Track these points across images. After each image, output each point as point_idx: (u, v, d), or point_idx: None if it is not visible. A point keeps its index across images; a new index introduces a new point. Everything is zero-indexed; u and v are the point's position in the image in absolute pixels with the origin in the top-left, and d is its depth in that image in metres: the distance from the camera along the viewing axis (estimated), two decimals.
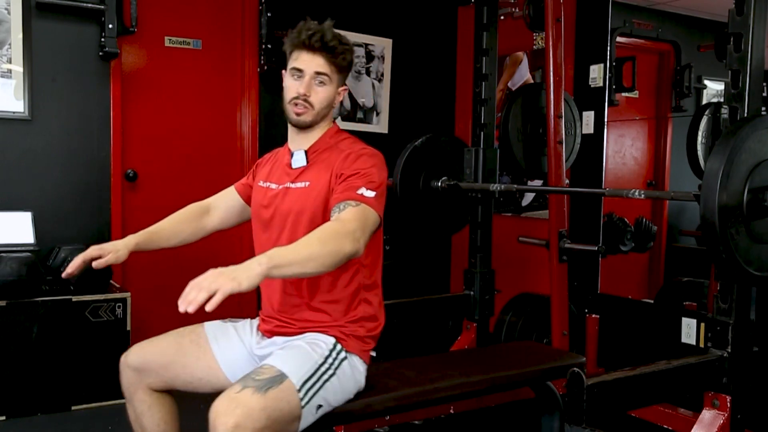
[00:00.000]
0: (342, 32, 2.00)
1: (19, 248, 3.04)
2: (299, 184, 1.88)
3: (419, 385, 2.02)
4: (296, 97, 1.85)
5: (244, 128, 4.06)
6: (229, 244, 3.83)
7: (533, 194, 4.12)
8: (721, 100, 3.90)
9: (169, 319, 3.28)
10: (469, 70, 3.51)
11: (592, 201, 3.50)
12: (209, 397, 1.62)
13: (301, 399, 1.64)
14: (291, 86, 1.87)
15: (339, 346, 1.79)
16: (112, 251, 1.88)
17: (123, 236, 3.77)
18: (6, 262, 2.91)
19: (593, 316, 3.37)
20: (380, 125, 4.39)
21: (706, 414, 2.19)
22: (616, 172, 4.04)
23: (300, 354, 1.75)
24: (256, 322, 1.99)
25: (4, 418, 2.95)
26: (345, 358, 1.79)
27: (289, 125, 1.94)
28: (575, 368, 2.00)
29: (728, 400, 2.15)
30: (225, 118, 4.03)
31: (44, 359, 3.00)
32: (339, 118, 4.26)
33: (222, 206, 2.13)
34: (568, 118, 3.30)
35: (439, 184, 3.12)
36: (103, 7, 3.38)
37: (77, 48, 3.46)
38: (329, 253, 1.60)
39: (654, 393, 2.26)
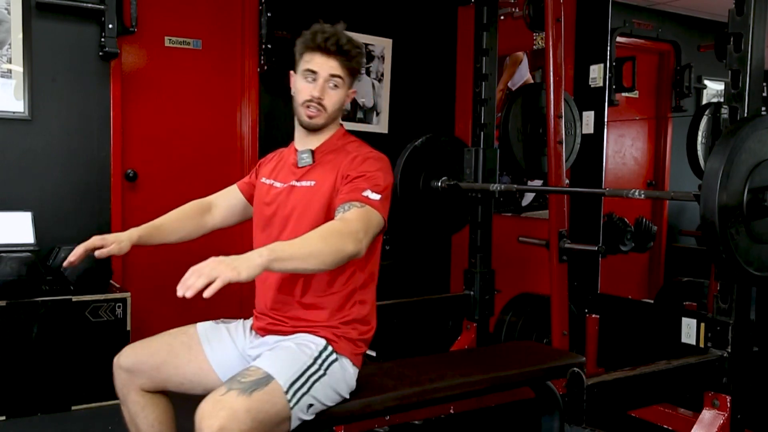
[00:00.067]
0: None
1: (19, 248, 3.04)
2: (304, 183, 1.89)
3: (419, 385, 2.02)
4: (310, 100, 1.86)
5: (244, 128, 4.06)
6: (230, 244, 3.82)
7: (533, 194, 4.12)
8: (721, 100, 3.90)
9: (169, 319, 3.28)
10: (469, 70, 3.52)
11: (592, 201, 3.50)
12: (203, 398, 1.62)
13: (289, 400, 1.63)
14: (303, 88, 1.87)
15: (330, 348, 1.79)
16: (114, 242, 1.87)
17: None
18: (6, 262, 2.91)
19: (593, 316, 3.37)
20: (380, 125, 4.39)
21: (706, 414, 2.19)
22: (616, 172, 4.04)
23: (288, 355, 1.74)
24: (249, 322, 1.99)
25: (4, 418, 2.95)
26: (335, 359, 1.78)
27: (297, 126, 1.95)
28: (575, 368, 2.00)
29: (728, 400, 2.15)
30: (225, 118, 4.03)
31: (44, 359, 3.00)
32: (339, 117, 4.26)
33: (224, 204, 2.13)
34: (568, 118, 3.30)
35: (439, 184, 3.12)
36: (103, 7, 3.38)
37: (77, 48, 3.46)
38: (331, 251, 1.61)
39: (654, 393, 2.26)
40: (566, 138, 3.14)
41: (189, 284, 1.43)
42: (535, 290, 3.52)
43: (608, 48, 3.56)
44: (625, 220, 3.52)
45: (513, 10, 3.55)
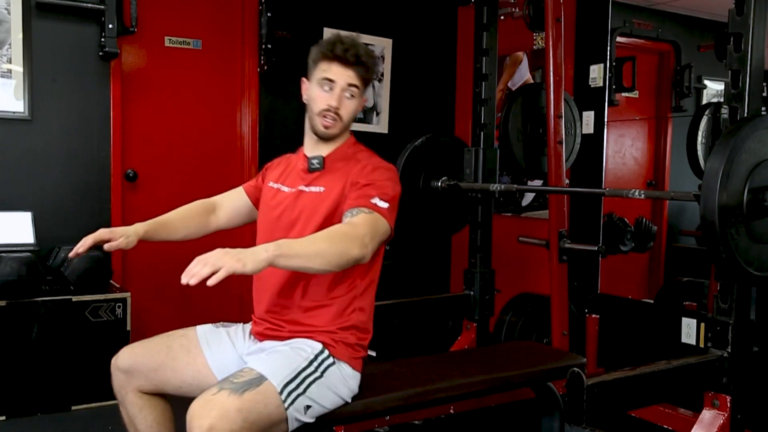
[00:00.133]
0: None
1: (19, 248, 3.04)
2: (313, 189, 1.89)
3: (419, 385, 2.02)
4: (327, 110, 1.87)
5: (244, 128, 4.06)
6: (231, 245, 3.82)
7: (533, 194, 4.12)
8: (721, 100, 3.90)
9: (169, 319, 3.29)
10: (469, 70, 3.52)
11: (592, 201, 3.50)
12: None
13: (284, 401, 1.63)
14: (320, 97, 1.87)
15: (326, 352, 1.79)
16: (123, 236, 1.86)
17: None
18: (6, 262, 2.91)
19: (593, 316, 3.37)
20: (380, 125, 4.40)
21: (706, 414, 2.19)
22: (616, 172, 4.04)
23: (282, 358, 1.75)
24: (248, 326, 1.99)
25: (4, 418, 2.95)
26: (332, 363, 1.78)
27: (307, 132, 1.96)
28: (575, 368, 2.00)
29: (728, 400, 2.15)
30: (225, 118, 4.03)
31: (44, 359, 3.00)
32: None
33: (229, 206, 2.13)
34: (568, 118, 3.30)
35: (439, 184, 3.12)
36: (103, 7, 3.38)
37: (77, 48, 3.46)
38: (336, 252, 1.62)
39: (654, 393, 2.26)
40: (566, 138, 3.14)
41: (194, 272, 1.44)
42: (535, 290, 3.52)
43: (608, 48, 3.56)
44: (625, 220, 3.52)
45: (513, 10, 3.55)
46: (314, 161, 1.92)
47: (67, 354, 3.05)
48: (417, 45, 4.51)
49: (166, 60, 3.82)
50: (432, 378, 2.07)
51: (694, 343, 2.76)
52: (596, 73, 3.60)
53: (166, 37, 3.81)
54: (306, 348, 1.78)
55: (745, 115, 2.10)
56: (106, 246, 1.85)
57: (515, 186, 3.12)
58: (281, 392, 1.63)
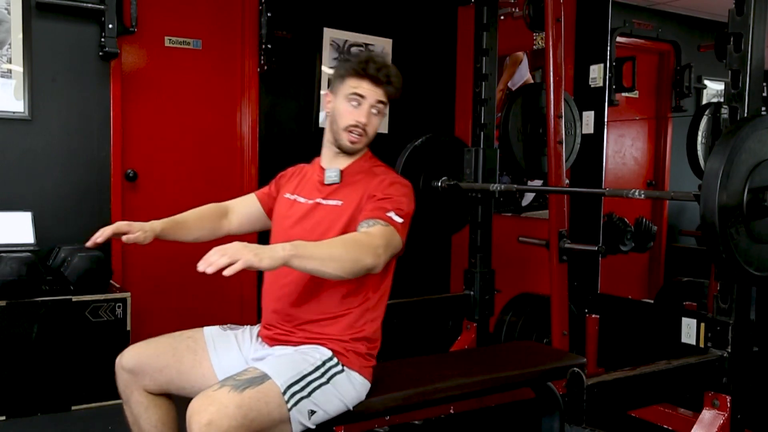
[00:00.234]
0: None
1: (19, 248, 3.04)
2: (331, 202, 1.92)
3: (419, 385, 2.02)
4: (355, 125, 1.90)
5: (244, 128, 4.06)
6: None
7: (533, 194, 4.12)
8: (721, 100, 3.90)
9: (169, 319, 3.30)
10: (469, 70, 3.52)
11: (592, 201, 3.50)
12: None
13: (287, 401, 1.63)
14: (348, 112, 1.90)
15: (335, 360, 1.79)
16: (140, 231, 1.87)
17: None
18: (6, 262, 2.91)
19: (593, 316, 3.37)
20: (380, 125, 4.39)
21: (706, 414, 2.19)
22: (616, 172, 4.04)
23: (288, 360, 1.75)
24: (256, 329, 1.99)
25: (4, 418, 2.95)
26: (341, 371, 1.79)
27: (327, 144, 1.99)
28: (575, 368, 2.00)
29: (728, 400, 2.15)
30: (225, 118, 4.03)
31: (44, 359, 3.00)
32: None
33: (241, 211, 2.14)
34: (568, 118, 3.30)
35: (439, 184, 3.12)
36: (103, 7, 3.38)
37: (77, 48, 3.46)
38: (351, 259, 1.65)
39: (654, 393, 2.26)
40: (566, 138, 3.14)
41: (211, 261, 1.46)
42: (535, 290, 3.52)
43: (608, 48, 3.56)
44: (625, 220, 3.52)
45: (513, 10, 3.55)
46: (332, 174, 1.95)
47: (67, 354, 3.05)
48: (417, 45, 4.51)
49: (166, 60, 3.82)
50: (432, 378, 2.07)
51: (694, 343, 2.76)
52: (596, 73, 3.60)
53: (166, 37, 3.81)
54: (315, 354, 1.79)
55: (745, 115, 2.10)
56: (123, 238, 1.85)
57: (515, 186, 3.12)
58: (284, 392, 1.63)
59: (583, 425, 2.06)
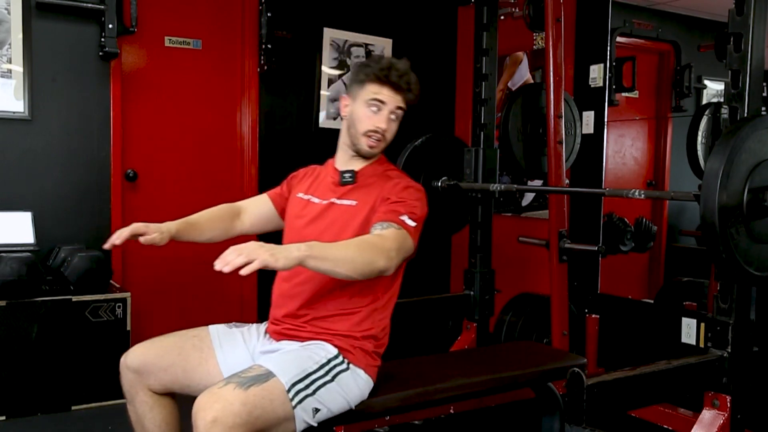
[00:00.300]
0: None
1: (19, 248, 3.05)
2: (345, 201, 1.94)
3: (419, 385, 2.02)
4: (374, 131, 1.93)
5: (244, 128, 4.06)
6: (228, 247, 3.82)
7: (533, 194, 4.12)
8: (721, 100, 3.90)
9: (169, 319, 3.29)
10: (469, 70, 3.51)
11: (592, 201, 3.50)
12: None
13: (291, 399, 1.64)
14: (367, 117, 1.93)
15: (340, 358, 1.80)
16: (156, 232, 1.87)
17: None
18: (6, 262, 2.91)
19: (593, 316, 3.37)
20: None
21: (706, 414, 2.19)
22: (616, 172, 4.04)
23: (293, 357, 1.76)
24: (263, 326, 2.00)
25: (4, 418, 2.95)
26: (346, 369, 1.80)
27: (342, 147, 2.01)
28: (575, 368, 2.00)
29: (728, 400, 2.15)
30: (225, 118, 4.03)
31: (44, 359, 3.00)
32: (339, 118, 4.26)
33: (254, 211, 2.15)
34: (568, 118, 3.30)
35: (439, 184, 3.12)
36: (103, 7, 3.38)
37: (77, 48, 3.46)
38: (363, 261, 1.67)
39: (654, 393, 2.26)
40: (566, 138, 3.14)
41: (228, 260, 1.49)
42: (535, 290, 3.52)
43: (608, 48, 3.56)
44: (625, 220, 3.52)
45: (513, 10, 3.55)
46: (347, 175, 1.97)
47: (67, 354, 3.05)
48: (417, 45, 4.51)
49: (166, 60, 3.82)
50: (432, 378, 2.07)
51: (694, 343, 2.76)
52: (596, 73, 3.60)
53: (166, 37, 3.81)
54: (320, 352, 1.80)
55: (745, 115, 2.10)
56: (141, 239, 1.85)
57: (515, 186, 3.12)
58: (289, 390, 1.64)
59: (583, 425, 2.06)
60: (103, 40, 3.42)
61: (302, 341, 1.86)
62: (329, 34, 4.15)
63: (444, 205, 3.17)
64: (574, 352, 3.07)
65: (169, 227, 1.91)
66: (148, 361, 1.86)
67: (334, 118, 4.24)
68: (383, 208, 1.85)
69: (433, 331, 3.73)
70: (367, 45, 4.31)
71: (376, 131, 1.93)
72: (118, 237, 1.81)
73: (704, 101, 4.08)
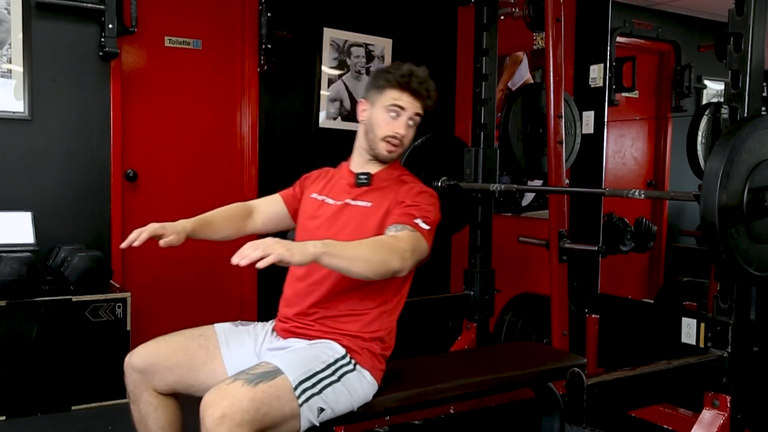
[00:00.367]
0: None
1: (19, 248, 3.05)
2: (360, 203, 1.96)
3: (419, 385, 2.02)
4: (393, 136, 1.96)
5: (244, 128, 4.06)
6: (228, 247, 3.82)
7: (533, 194, 4.12)
8: (721, 100, 3.90)
9: (169, 319, 3.30)
10: (469, 70, 3.51)
11: (592, 201, 3.50)
12: None
13: (298, 397, 1.65)
14: (386, 122, 1.96)
15: (347, 358, 1.81)
16: (173, 233, 1.87)
17: (123, 236, 3.76)
18: (6, 262, 2.91)
19: (593, 316, 3.37)
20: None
21: (706, 414, 2.19)
22: (616, 172, 4.04)
23: (301, 356, 1.77)
24: (270, 324, 2.01)
25: (4, 418, 2.95)
26: (353, 369, 1.80)
27: (358, 150, 2.04)
28: (575, 368, 2.00)
29: (728, 400, 2.15)
30: (225, 118, 4.03)
31: (44, 359, 3.00)
32: (339, 118, 4.26)
33: (266, 211, 2.16)
34: (568, 118, 3.30)
35: (439, 184, 3.11)
36: (103, 7, 3.38)
37: (77, 48, 3.46)
38: (378, 261, 1.69)
39: (654, 393, 2.26)
40: (566, 138, 3.14)
41: (245, 254, 1.51)
42: (535, 290, 3.52)
43: (608, 48, 3.55)
44: (625, 220, 3.52)
45: (513, 10, 3.55)
46: (362, 177, 2.00)
47: (67, 354, 3.05)
48: (417, 45, 4.51)
49: (166, 60, 3.82)
50: (432, 378, 2.07)
51: (694, 343, 2.76)
52: (596, 73, 3.60)
53: (166, 37, 3.81)
54: (328, 351, 1.80)
55: (745, 115, 2.10)
56: (161, 242, 1.85)
57: (515, 186, 3.12)
58: (296, 388, 1.65)
59: (583, 425, 2.06)
60: (103, 40, 3.42)
61: (310, 339, 1.87)
62: (329, 34, 4.15)
63: (444, 205, 3.16)
64: (574, 352, 3.07)
65: (185, 226, 1.91)
66: (153, 362, 1.85)
67: (334, 118, 4.24)
68: (398, 211, 1.87)
69: (433, 331, 3.73)
70: (367, 45, 4.31)
71: (394, 137, 1.96)
72: (137, 239, 1.81)
73: (704, 101, 4.08)
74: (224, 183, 4.00)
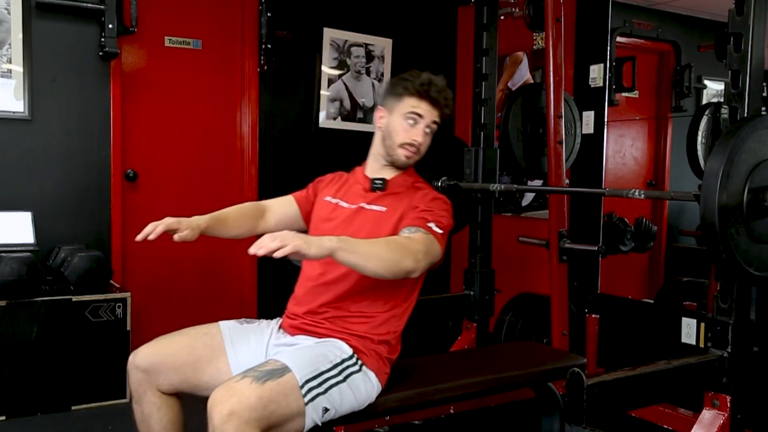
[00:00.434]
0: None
1: (19, 248, 3.04)
2: (375, 207, 1.99)
3: (419, 385, 2.02)
4: (411, 144, 2.00)
5: (244, 128, 4.06)
6: (229, 247, 3.83)
7: (533, 194, 4.12)
8: (721, 100, 3.90)
9: (169, 319, 3.29)
10: (469, 70, 3.51)
11: (592, 201, 3.50)
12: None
13: (304, 395, 1.65)
14: (404, 130, 2.00)
15: (354, 358, 1.82)
16: (188, 228, 1.88)
17: (123, 236, 3.79)
18: (6, 262, 2.91)
19: (593, 316, 3.37)
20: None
21: (706, 414, 2.18)
22: (616, 172, 4.04)
23: (308, 354, 1.77)
24: (275, 322, 2.02)
25: (4, 418, 2.95)
26: (358, 370, 1.81)
27: (375, 156, 2.08)
28: (575, 368, 2.00)
29: (728, 400, 2.15)
30: (225, 118, 4.03)
31: (44, 359, 3.00)
32: (339, 118, 4.26)
33: (278, 211, 2.17)
34: (568, 118, 3.30)
35: (439, 184, 3.11)
36: (103, 7, 3.38)
37: (77, 48, 3.46)
38: (392, 260, 1.71)
39: (654, 393, 2.26)
40: (566, 138, 3.14)
41: (262, 244, 1.54)
42: (535, 290, 3.52)
43: (608, 48, 3.56)
44: (625, 220, 3.52)
45: (513, 10, 3.55)
46: (378, 182, 2.03)
47: (67, 354, 3.05)
48: (417, 45, 4.51)
49: (166, 60, 3.82)
50: (432, 378, 2.07)
51: (694, 343, 2.76)
52: (596, 73, 3.60)
53: (166, 37, 3.81)
54: (335, 351, 1.81)
55: (745, 115, 2.10)
56: (175, 237, 1.85)
57: (515, 186, 3.12)
58: (302, 386, 1.66)
59: (583, 425, 2.06)
60: (103, 40, 3.42)
61: (318, 337, 1.88)
62: (329, 34, 4.15)
63: None
64: (574, 352, 3.07)
65: (199, 223, 1.92)
66: (158, 361, 1.85)
67: (334, 118, 4.24)
68: (412, 215, 1.91)
69: (433, 331, 3.73)
70: (367, 45, 4.31)
71: (412, 144, 2.00)
72: (152, 232, 1.81)
73: (704, 101, 4.08)
74: (224, 183, 4.00)
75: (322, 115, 4.20)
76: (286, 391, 1.62)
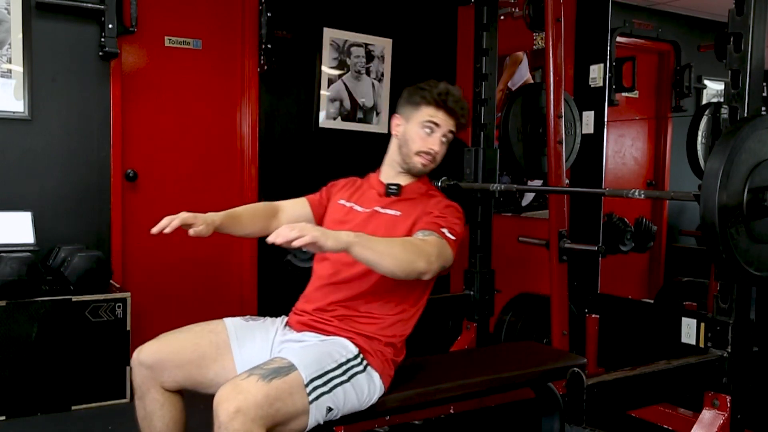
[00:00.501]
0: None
1: (19, 248, 3.04)
2: (389, 211, 2.01)
3: (419, 385, 2.02)
4: (427, 152, 2.03)
5: (244, 128, 4.06)
6: (229, 248, 3.83)
7: (533, 194, 4.12)
8: (721, 100, 3.90)
9: (169, 319, 3.29)
10: (469, 70, 3.51)
11: (592, 201, 3.50)
12: (212, 397, 1.62)
13: (309, 394, 1.66)
14: (421, 138, 2.03)
15: (359, 358, 1.82)
16: (203, 224, 1.88)
17: (123, 236, 3.79)
18: (6, 262, 2.91)
19: (593, 316, 3.37)
20: (380, 125, 4.39)
21: (706, 414, 2.18)
22: (616, 172, 4.04)
23: (315, 352, 1.78)
24: (280, 319, 2.02)
25: (4, 418, 2.95)
26: (363, 370, 1.81)
27: (390, 162, 2.11)
28: (575, 368, 2.00)
29: (728, 400, 2.15)
30: (225, 118, 4.03)
31: (44, 359, 3.00)
32: (339, 118, 4.26)
33: (291, 212, 2.17)
34: (568, 118, 3.30)
35: (439, 184, 3.11)
36: (103, 7, 3.38)
37: (77, 48, 3.46)
38: (405, 260, 1.73)
39: (654, 393, 2.26)
40: (566, 138, 3.14)
41: (281, 233, 1.57)
42: (535, 290, 3.52)
43: (608, 48, 3.56)
44: (625, 220, 3.52)
45: (513, 10, 3.55)
46: (393, 187, 2.06)
47: (67, 354, 3.05)
48: (417, 45, 4.51)
49: (166, 60, 3.82)
50: (432, 378, 2.07)
51: (694, 343, 2.76)
52: (596, 73, 3.60)
53: (166, 37, 3.81)
54: (340, 350, 1.81)
55: (745, 115, 2.10)
56: (190, 231, 1.85)
57: (515, 186, 3.12)
58: (307, 385, 1.66)
59: (583, 425, 2.06)
60: (103, 40, 3.42)
61: (325, 335, 1.89)
62: (329, 34, 4.15)
63: None
64: (574, 352, 3.07)
65: (213, 219, 1.92)
66: (162, 358, 1.85)
67: (334, 118, 4.24)
68: (426, 219, 1.93)
69: (433, 331, 3.73)
70: (367, 45, 4.31)
71: (428, 152, 2.03)
72: (168, 225, 1.81)
73: (704, 101, 4.08)
74: (224, 183, 4.00)
75: (322, 115, 4.20)
76: (292, 390, 1.63)
